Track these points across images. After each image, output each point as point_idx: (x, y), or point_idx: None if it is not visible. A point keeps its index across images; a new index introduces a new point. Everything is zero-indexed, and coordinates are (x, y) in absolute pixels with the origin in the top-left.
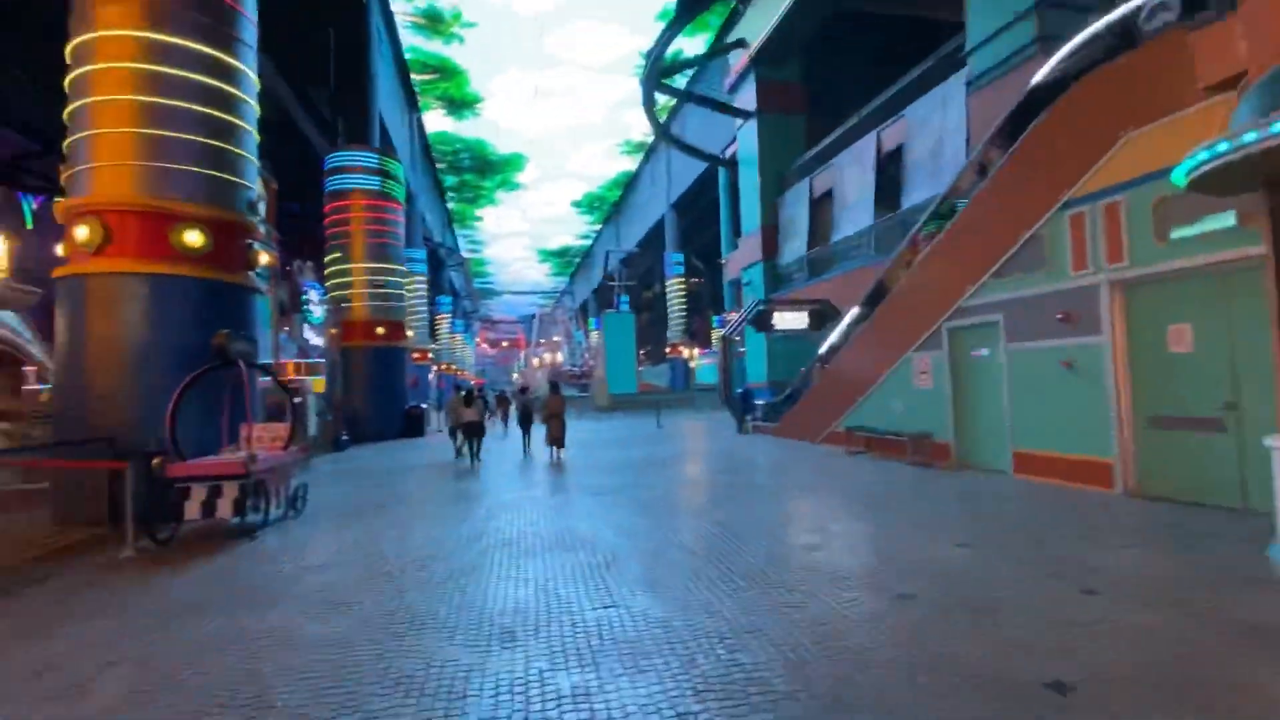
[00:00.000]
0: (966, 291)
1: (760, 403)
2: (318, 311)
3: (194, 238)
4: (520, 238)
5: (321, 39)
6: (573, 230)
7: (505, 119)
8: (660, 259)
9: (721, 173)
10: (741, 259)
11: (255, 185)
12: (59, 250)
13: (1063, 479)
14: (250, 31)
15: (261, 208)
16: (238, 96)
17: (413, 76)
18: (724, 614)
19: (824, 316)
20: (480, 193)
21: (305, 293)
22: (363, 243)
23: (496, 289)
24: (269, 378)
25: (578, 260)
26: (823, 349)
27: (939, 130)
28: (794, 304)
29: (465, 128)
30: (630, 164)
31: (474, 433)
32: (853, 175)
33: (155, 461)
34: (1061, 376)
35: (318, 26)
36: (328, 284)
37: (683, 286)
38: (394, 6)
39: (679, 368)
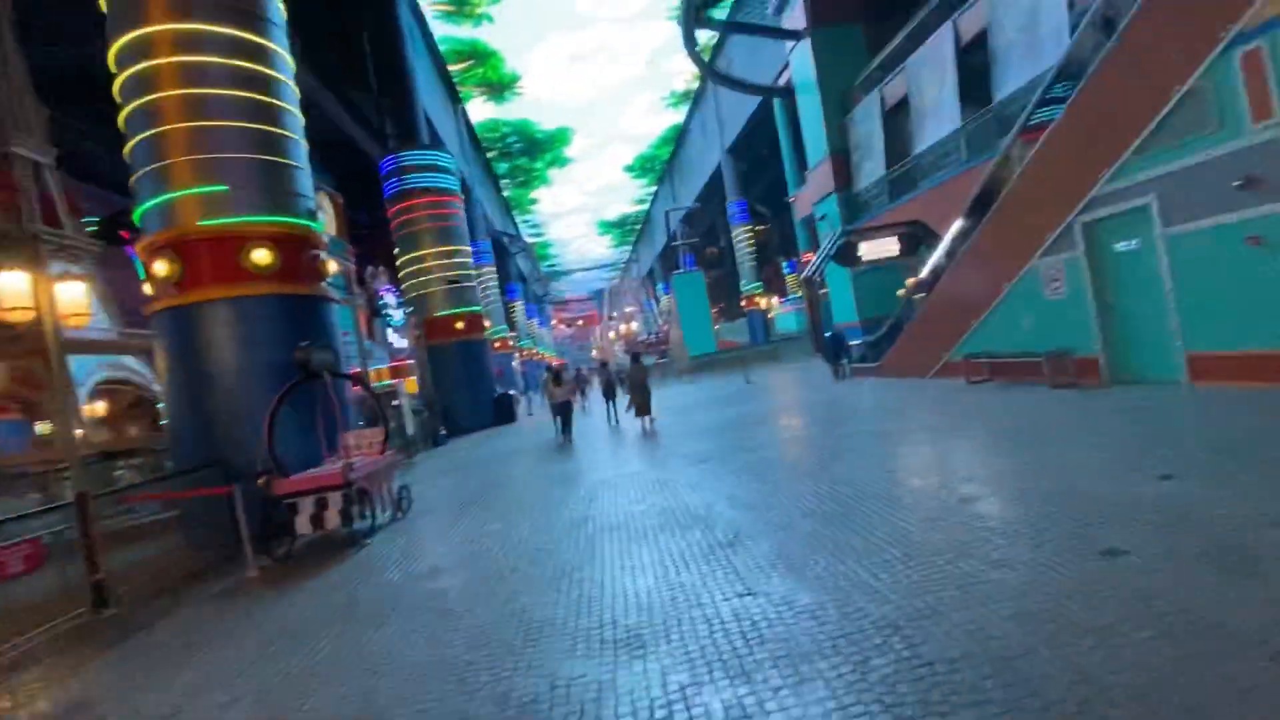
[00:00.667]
0: (1102, 176)
1: (855, 343)
2: (397, 315)
3: (262, 255)
4: (579, 214)
5: (355, 43)
6: (628, 196)
7: (545, 93)
8: (722, 211)
9: (778, 105)
10: (812, 194)
11: (311, 194)
12: (146, 289)
13: (1264, 380)
14: (280, 36)
15: (322, 217)
16: (280, 106)
17: (449, 68)
18: (886, 594)
19: (917, 239)
20: (533, 174)
21: (382, 298)
22: (429, 240)
23: (563, 269)
24: (358, 385)
25: (638, 228)
26: (924, 273)
27: (1030, 0)
28: (881, 230)
29: (508, 110)
30: (677, 117)
31: (564, 411)
32: (930, 76)
33: (261, 480)
34: (1248, 257)
35: (350, 30)
36: (403, 286)
37: (750, 235)
38: None
39: (757, 320)
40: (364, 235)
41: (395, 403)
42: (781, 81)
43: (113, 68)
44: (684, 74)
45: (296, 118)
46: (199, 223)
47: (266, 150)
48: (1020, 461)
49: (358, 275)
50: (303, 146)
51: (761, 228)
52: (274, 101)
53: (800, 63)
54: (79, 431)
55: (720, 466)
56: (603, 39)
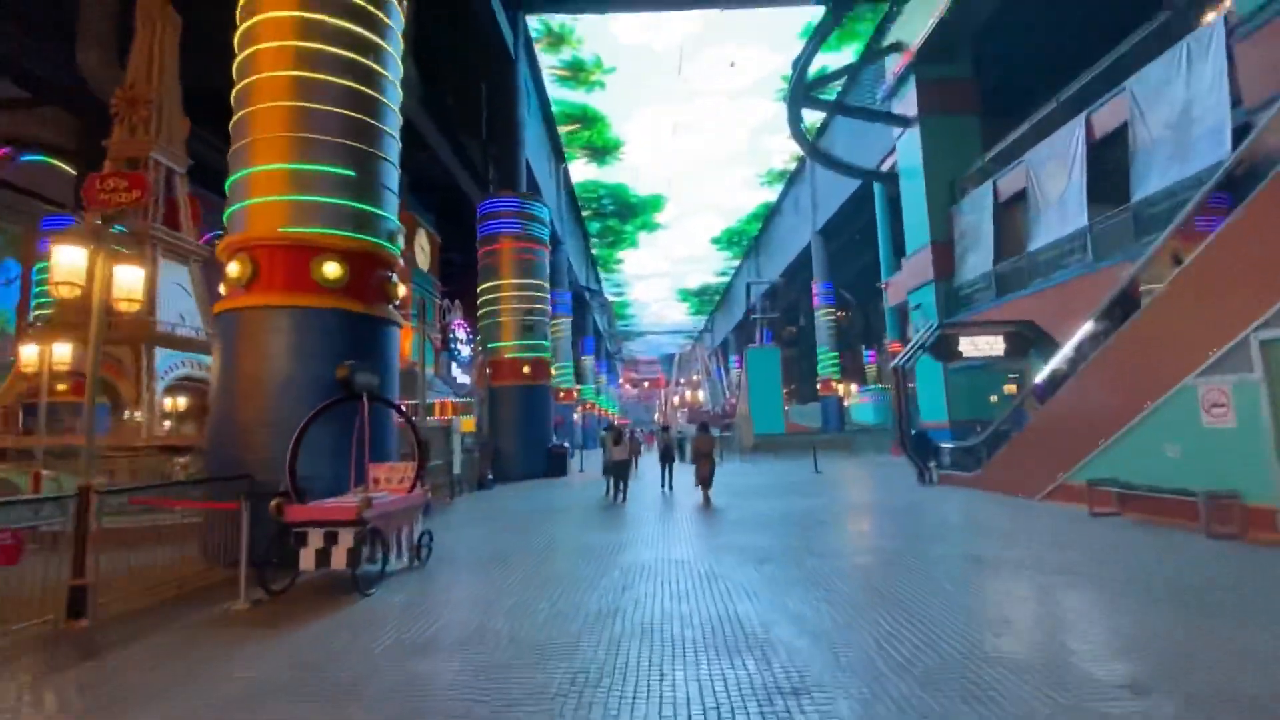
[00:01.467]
0: None
1: (946, 446)
2: (465, 351)
3: (332, 269)
4: (660, 278)
5: (475, 93)
6: (711, 268)
7: (644, 159)
8: (805, 291)
9: (877, 189)
10: (907, 281)
11: (395, 217)
12: (221, 289)
13: None
14: (393, 66)
15: (400, 239)
16: (380, 129)
17: (559, 128)
18: None
19: (1026, 340)
20: (622, 236)
21: (453, 332)
22: (510, 283)
23: (638, 330)
24: (401, 415)
25: (717, 298)
26: (1040, 378)
27: (1182, 96)
28: (985, 326)
29: (607, 173)
30: (770, 195)
31: (621, 471)
32: (1054, 170)
33: (273, 504)
34: None
35: (471, 83)
36: (479, 325)
37: (832, 316)
38: (541, 60)
39: (832, 406)
40: (455, 274)
41: (464, 440)
42: (884, 166)
43: (234, 76)
44: (782, 153)
45: (394, 142)
46: (280, 229)
47: (358, 168)
48: (1202, 641)
49: (439, 310)
50: (395, 170)
51: (843, 313)
52: (374, 124)
53: (907, 148)
54: (163, 422)
55: (784, 571)
56: (706, 113)
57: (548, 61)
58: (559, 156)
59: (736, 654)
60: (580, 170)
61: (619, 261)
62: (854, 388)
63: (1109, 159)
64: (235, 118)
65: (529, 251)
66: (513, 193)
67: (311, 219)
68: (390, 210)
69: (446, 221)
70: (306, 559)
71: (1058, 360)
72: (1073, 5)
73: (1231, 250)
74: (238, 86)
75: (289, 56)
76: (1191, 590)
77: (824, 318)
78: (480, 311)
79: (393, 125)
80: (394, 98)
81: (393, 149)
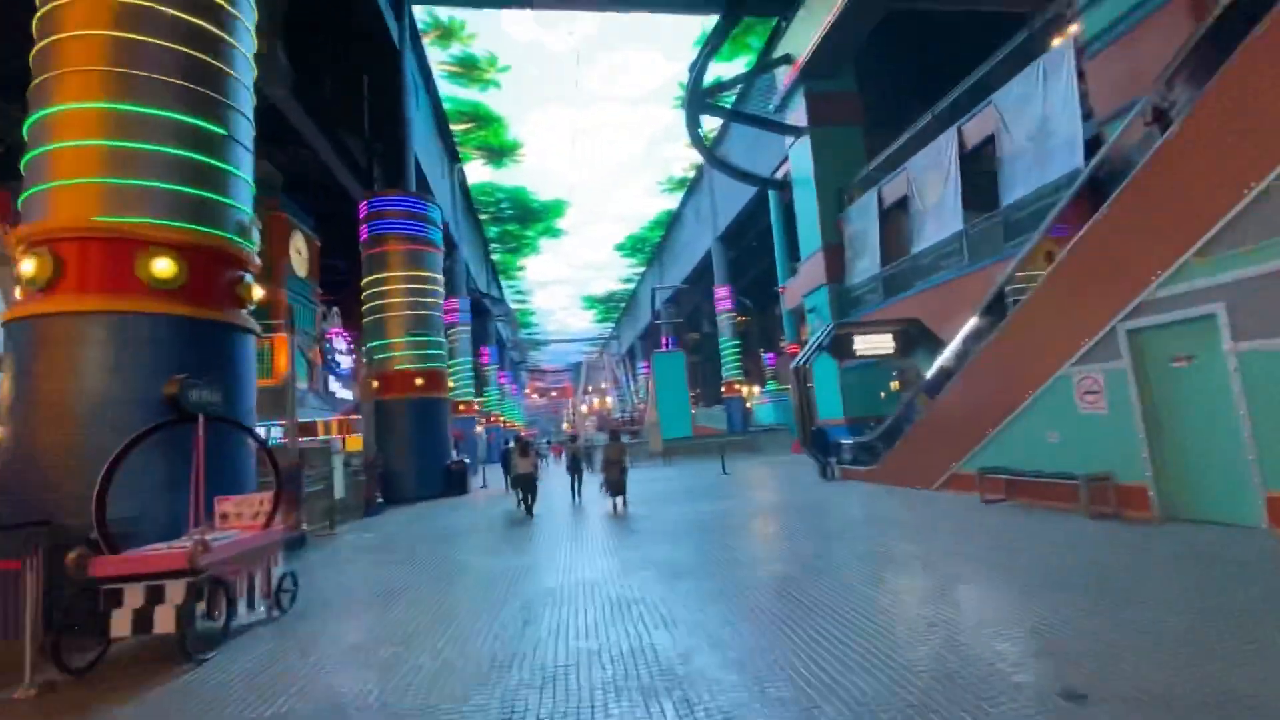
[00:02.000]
0: (1154, 279)
1: (846, 442)
2: (345, 363)
3: (164, 267)
4: (564, 285)
5: (355, 86)
6: (616, 274)
7: (544, 163)
8: (707, 296)
9: (772, 196)
10: (802, 285)
11: (247, 207)
12: (16, 292)
13: None
14: (243, 35)
15: (256, 234)
16: (223, 103)
17: (452, 127)
18: None
19: (911, 338)
20: (523, 242)
21: (329, 341)
22: (400, 289)
23: (542, 338)
24: (253, 438)
25: (622, 305)
26: (929, 374)
27: (1041, 110)
28: (875, 325)
29: (505, 176)
30: (671, 202)
31: (527, 484)
32: (932, 178)
33: (71, 556)
34: None
35: (353, 75)
36: (365, 333)
37: (734, 320)
38: (431, 55)
39: (736, 408)
40: (339, 281)
41: (349, 461)
42: (779, 174)
43: (34, 33)
44: (682, 161)
45: (245, 122)
46: (93, 218)
47: (197, 147)
48: (1120, 633)
49: (317, 319)
50: (247, 153)
51: (744, 318)
52: (216, 98)
53: (799, 157)
54: None
55: (701, 586)
56: (606, 118)
57: (438, 56)
58: (453, 157)
59: (653, 698)
60: (477, 172)
61: (520, 268)
62: (756, 389)
63: (980, 167)
64: (35, 81)
65: (419, 255)
66: (401, 191)
67: (136, 206)
68: (242, 199)
69: (328, 224)
70: (120, 624)
71: (945, 355)
72: (944, 24)
73: (1097, 248)
74: (39, 44)
75: (105, 12)
76: (1093, 576)
77: (726, 323)
78: (366, 320)
79: (243, 102)
80: (245, 71)
81: (243, 129)
